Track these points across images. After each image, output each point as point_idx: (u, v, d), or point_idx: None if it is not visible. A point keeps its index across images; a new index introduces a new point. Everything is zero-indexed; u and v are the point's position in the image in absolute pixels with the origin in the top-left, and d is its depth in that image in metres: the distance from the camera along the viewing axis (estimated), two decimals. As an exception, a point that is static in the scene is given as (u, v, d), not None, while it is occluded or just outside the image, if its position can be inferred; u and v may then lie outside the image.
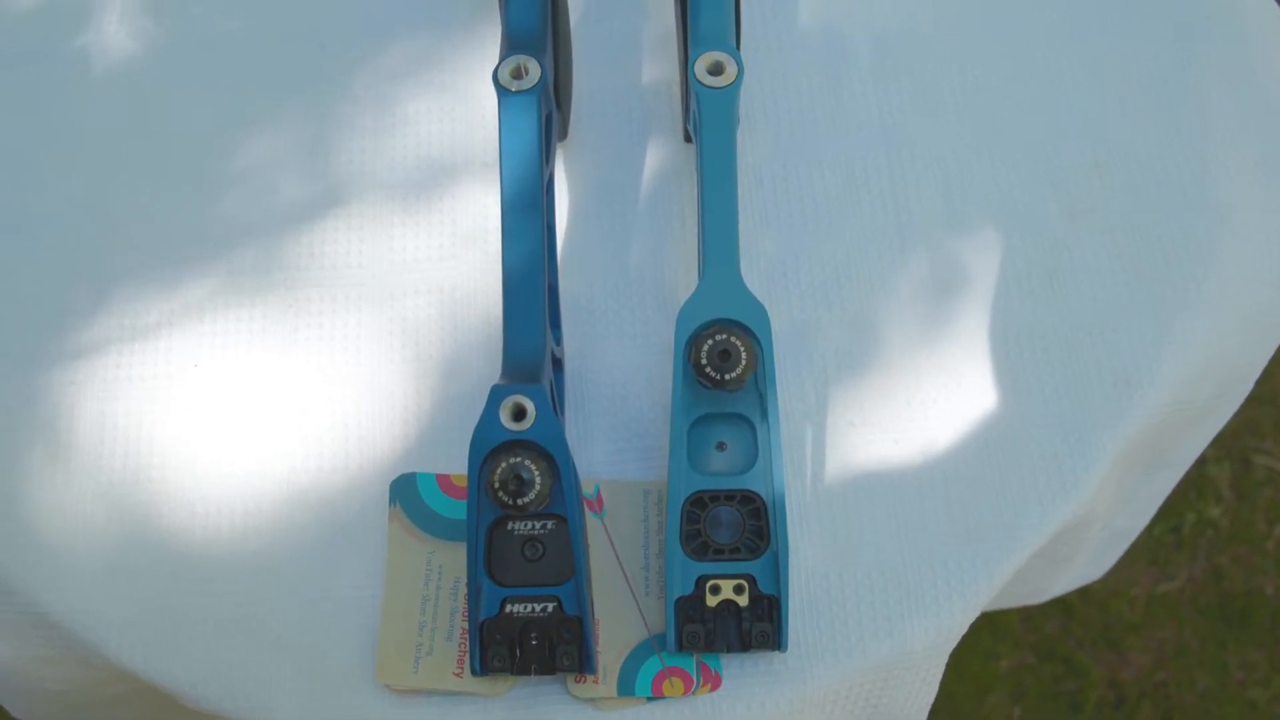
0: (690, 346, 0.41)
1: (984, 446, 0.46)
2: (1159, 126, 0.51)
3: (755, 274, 0.48)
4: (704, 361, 0.40)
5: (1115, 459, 0.46)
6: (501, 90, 0.43)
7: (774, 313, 0.47)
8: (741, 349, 0.40)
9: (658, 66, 0.52)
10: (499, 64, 0.43)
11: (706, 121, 0.43)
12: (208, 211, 0.51)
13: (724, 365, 0.40)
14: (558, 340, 0.46)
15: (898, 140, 0.51)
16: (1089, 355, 0.47)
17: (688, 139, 0.50)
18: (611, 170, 0.50)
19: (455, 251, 0.49)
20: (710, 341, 0.40)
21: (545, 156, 0.44)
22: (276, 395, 0.47)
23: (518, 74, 0.43)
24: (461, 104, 0.52)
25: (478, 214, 0.50)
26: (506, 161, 0.43)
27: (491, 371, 0.46)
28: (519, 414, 0.40)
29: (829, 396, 0.46)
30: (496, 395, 0.40)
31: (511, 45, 0.44)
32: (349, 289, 0.49)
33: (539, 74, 0.43)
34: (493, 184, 0.50)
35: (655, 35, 0.53)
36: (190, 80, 0.53)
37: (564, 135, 0.50)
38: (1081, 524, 0.48)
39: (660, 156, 0.51)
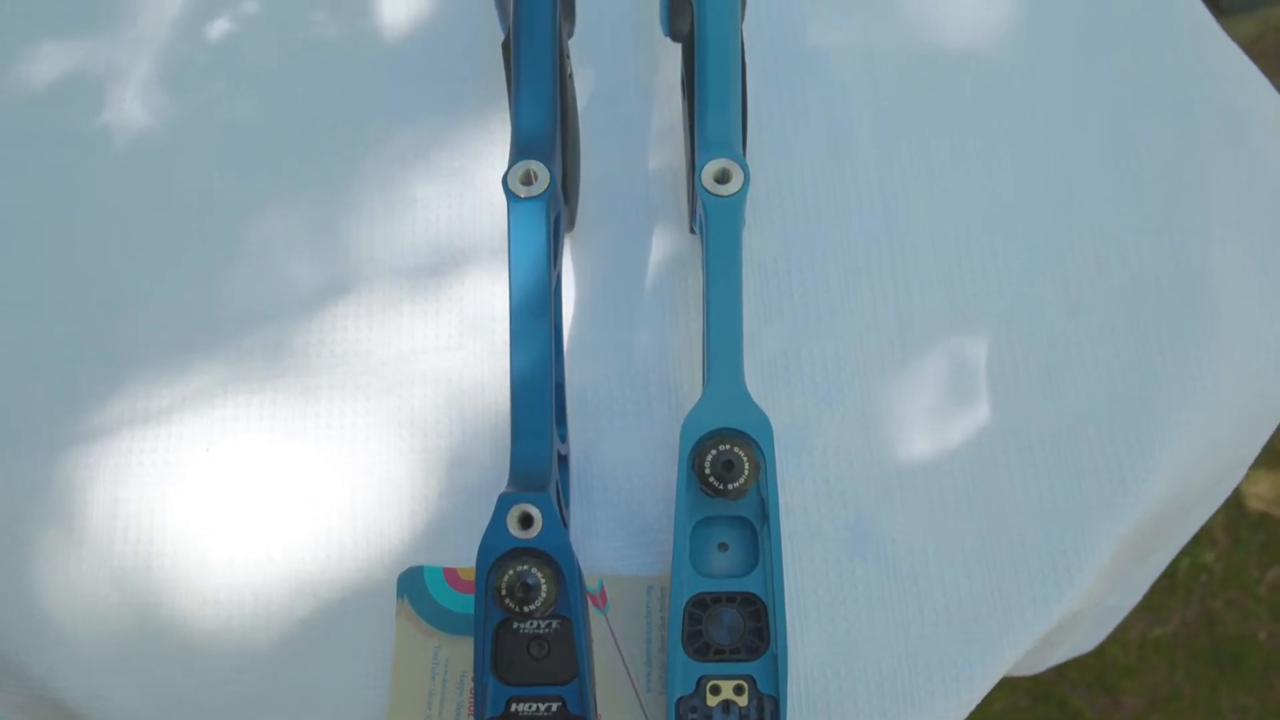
0: (694, 456, 0.42)
1: (980, 545, 0.46)
2: (1160, 221, 0.52)
3: (757, 368, 0.49)
4: (708, 472, 0.41)
5: (1110, 554, 0.47)
6: (511, 196, 0.44)
7: (775, 408, 0.48)
8: (745, 459, 0.41)
9: (663, 154, 0.53)
10: (508, 169, 0.44)
11: (713, 230, 0.44)
12: (218, 294, 0.51)
13: (727, 475, 0.41)
14: (563, 437, 0.47)
15: (900, 231, 0.51)
16: (1086, 453, 0.48)
17: (693, 230, 0.51)
18: (617, 260, 0.51)
19: (463, 341, 0.50)
20: (714, 452, 0.41)
21: (553, 259, 0.45)
22: (286, 483, 0.48)
23: (527, 180, 0.44)
24: (470, 189, 0.53)
25: (485, 301, 0.51)
26: (515, 268, 0.43)
27: (497, 462, 0.47)
28: (526, 522, 0.41)
29: (828, 494, 0.47)
30: (504, 504, 0.41)
31: (521, 149, 0.44)
32: (357, 377, 0.50)
33: (548, 180, 0.44)
34: (500, 270, 0.51)
35: (661, 121, 0.54)
36: (203, 160, 0.54)
37: (571, 227, 0.51)
38: (1075, 615, 0.49)
39: (665, 246, 0.51)
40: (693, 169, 0.47)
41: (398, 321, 0.50)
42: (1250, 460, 0.53)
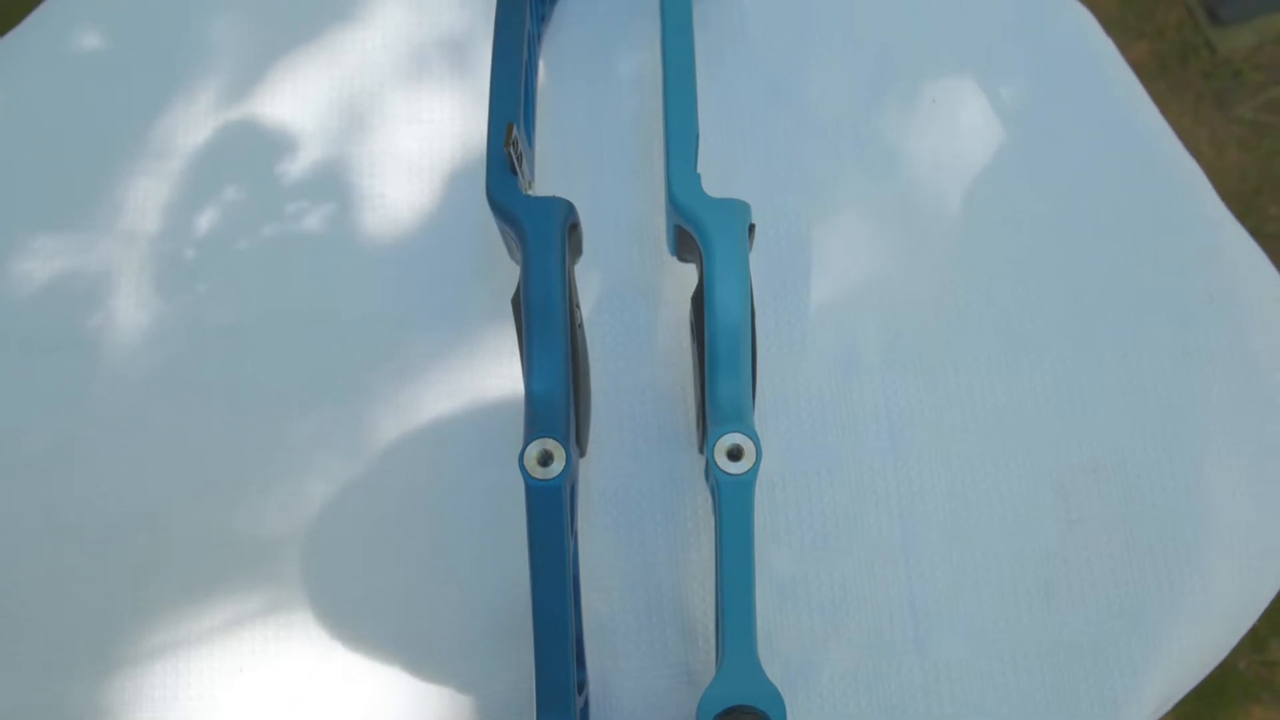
0: (712, 734, 0.44)
1: (980, 769, 0.49)
2: (1156, 426, 0.53)
3: (766, 592, 0.51)
4: (725, 751, 0.43)
5: (1100, 763, 0.50)
6: (527, 477, 0.44)
7: (783, 632, 0.50)
8: (759, 740, 0.43)
9: (671, 367, 0.54)
10: (525, 447, 0.45)
11: (725, 506, 0.45)
12: (241, 521, 0.52)
13: (744, 754, 0.44)
14: (581, 684, 0.49)
15: (905, 447, 0.52)
16: (1080, 673, 0.50)
17: (702, 451, 0.52)
18: (627, 483, 0.52)
19: (482, 558, 0.51)
20: (731, 732, 0.43)
21: (571, 525, 0.46)
22: (316, 709, 0.50)
23: (544, 460, 0.45)
24: (482, 397, 0.53)
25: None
26: (534, 548, 0.44)
27: (520, 683, 0.49)
28: (554, 803, 0.43)
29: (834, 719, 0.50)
30: (532, 787, 0.43)
31: (536, 427, 0.45)
32: (378, 601, 0.51)
33: (565, 462, 0.44)
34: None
35: (668, 328, 0.54)
36: (204, 369, 0.54)
37: (583, 454, 0.52)
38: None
39: (675, 466, 0.52)
40: (701, 399, 0.48)
41: (416, 551, 0.52)
42: (1230, 649, 0.56)
